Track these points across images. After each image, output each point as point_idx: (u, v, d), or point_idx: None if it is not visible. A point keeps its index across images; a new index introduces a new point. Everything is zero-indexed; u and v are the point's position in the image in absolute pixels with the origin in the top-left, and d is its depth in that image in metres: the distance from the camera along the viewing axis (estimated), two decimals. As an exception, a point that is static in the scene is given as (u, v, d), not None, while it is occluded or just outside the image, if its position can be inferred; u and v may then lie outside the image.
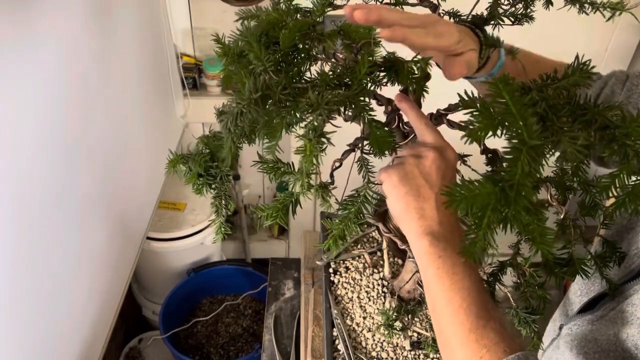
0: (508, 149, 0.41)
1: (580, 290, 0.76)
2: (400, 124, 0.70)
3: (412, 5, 0.73)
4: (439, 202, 0.59)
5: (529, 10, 0.74)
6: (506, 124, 0.42)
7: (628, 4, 0.65)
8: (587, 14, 0.68)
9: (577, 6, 0.68)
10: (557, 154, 0.50)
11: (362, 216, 0.58)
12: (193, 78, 1.81)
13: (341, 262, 1.07)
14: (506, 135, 0.42)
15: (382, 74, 0.57)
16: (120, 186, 1.24)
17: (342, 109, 0.51)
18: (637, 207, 0.49)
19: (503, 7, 0.74)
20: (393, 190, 0.60)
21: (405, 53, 0.67)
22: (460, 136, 0.50)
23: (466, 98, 0.47)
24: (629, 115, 0.49)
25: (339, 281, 1.04)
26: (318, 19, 0.63)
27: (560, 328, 0.77)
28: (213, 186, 0.70)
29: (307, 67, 0.58)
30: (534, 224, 0.40)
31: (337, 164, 0.62)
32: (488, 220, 0.38)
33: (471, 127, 0.42)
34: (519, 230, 0.40)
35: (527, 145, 0.40)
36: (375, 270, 1.05)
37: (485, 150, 0.64)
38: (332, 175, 0.62)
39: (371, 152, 0.58)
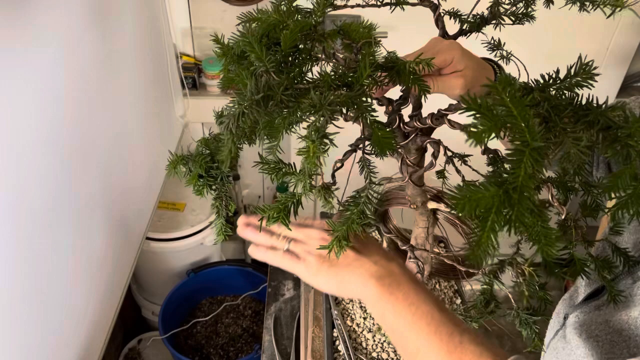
0: (511, 151, 0.41)
1: (585, 280, 0.76)
2: (401, 124, 0.70)
3: (412, 4, 0.73)
4: (357, 250, 0.62)
5: (529, 9, 0.74)
6: (508, 125, 0.42)
7: (628, 1, 0.65)
8: (588, 12, 0.68)
9: (578, 5, 0.67)
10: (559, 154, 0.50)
11: (364, 217, 0.58)
12: (192, 78, 1.80)
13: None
14: (509, 137, 0.42)
15: (383, 74, 0.56)
16: (119, 186, 1.23)
17: (344, 110, 0.51)
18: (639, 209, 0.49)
19: (504, 6, 0.74)
20: (318, 278, 0.63)
21: (405, 52, 0.67)
22: (461, 136, 0.49)
23: (467, 99, 0.46)
24: (631, 116, 0.48)
25: (339, 282, 1.03)
26: (319, 19, 0.62)
27: (565, 318, 0.77)
28: (214, 187, 0.70)
29: (309, 67, 0.58)
30: (538, 225, 0.40)
31: (339, 165, 0.62)
32: (492, 223, 0.37)
33: (473, 129, 0.41)
34: (522, 232, 0.40)
35: (530, 146, 0.40)
36: (376, 271, 1.05)
37: (486, 151, 0.63)
38: (333, 176, 0.62)
39: (373, 152, 0.57)
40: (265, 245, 0.68)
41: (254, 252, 0.68)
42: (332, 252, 0.59)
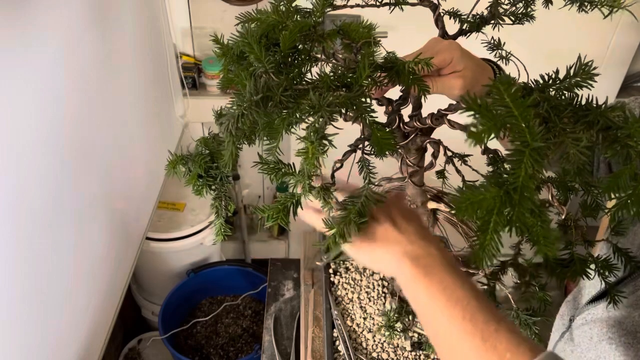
0: (511, 151, 0.41)
1: (590, 281, 0.76)
2: (401, 125, 0.70)
3: (412, 4, 0.73)
4: (398, 223, 0.59)
5: (529, 9, 0.74)
6: (508, 126, 0.42)
7: (626, 1, 0.65)
8: (586, 12, 0.68)
9: (577, 5, 0.67)
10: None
11: (363, 216, 0.58)
12: (192, 78, 1.80)
13: (341, 262, 1.07)
14: (509, 137, 0.42)
15: (383, 74, 0.56)
16: (119, 186, 1.23)
17: (343, 111, 0.51)
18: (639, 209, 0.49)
19: (503, 6, 0.74)
20: (356, 251, 0.60)
21: (405, 52, 0.67)
22: (461, 136, 0.49)
23: (467, 99, 0.46)
24: (631, 116, 0.48)
25: (339, 282, 1.03)
26: (318, 20, 0.62)
27: (571, 320, 0.77)
28: (213, 187, 0.70)
29: (308, 68, 0.58)
30: (538, 225, 0.39)
31: (338, 165, 0.62)
32: (494, 224, 0.37)
33: (473, 129, 0.41)
34: (523, 232, 0.40)
35: (530, 147, 0.40)
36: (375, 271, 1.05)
37: (486, 151, 0.63)
38: (333, 176, 0.61)
39: (372, 152, 0.57)
40: (313, 207, 0.64)
41: (303, 214, 0.64)
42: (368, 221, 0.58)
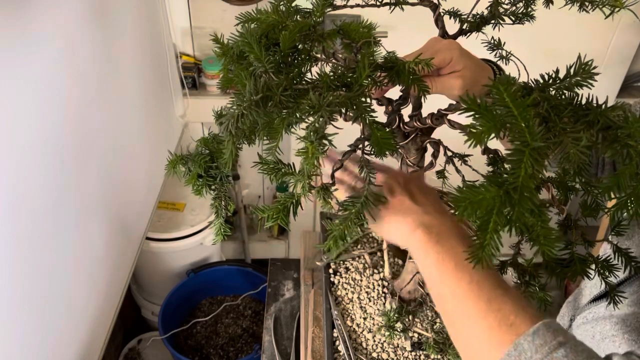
0: (511, 151, 0.41)
1: (590, 282, 0.76)
2: (401, 124, 0.70)
3: (412, 4, 0.73)
4: (415, 196, 0.60)
5: (529, 9, 0.74)
6: (508, 125, 0.42)
7: (627, 1, 0.65)
8: (587, 12, 0.68)
9: (578, 4, 0.67)
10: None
11: (362, 217, 0.58)
12: (192, 77, 1.80)
13: (341, 262, 1.06)
14: (508, 137, 0.42)
15: (383, 74, 0.56)
16: (119, 186, 1.23)
17: (343, 110, 0.51)
18: (639, 209, 0.49)
19: (504, 6, 0.74)
20: (375, 223, 0.61)
21: (405, 52, 0.66)
22: (461, 135, 0.49)
23: (467, 99, 0.46)
24: (631, 116, 0.48)
25: (339, 282, 1.03)
26: (318, 19, 0.62)
27: (571, 320, 0.77)
28: (213, 187, 0.70)
29: (308, 68, 0.58)
30: (538, 225, 0.39)
31: (338, 165, 0.62)
32: (494, 224, 0.37)
33: (473, 129, 0.41)
34: (523, 232, 0.40)
35: (530, 147, 0.40)
36: (376, 271, 1.04)
37: (486, 151, 0.63)
38: (333, 176, 0.61)
39: (372, 152, 0.57)
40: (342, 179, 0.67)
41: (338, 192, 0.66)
42: (387, 194, 0.60)
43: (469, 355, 0.52)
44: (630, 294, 0.67)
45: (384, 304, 0.98)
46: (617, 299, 0.64)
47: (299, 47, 0.58)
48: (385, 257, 1.05)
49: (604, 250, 0.75)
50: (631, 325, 0.63)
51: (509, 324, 0.48)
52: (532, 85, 0.53)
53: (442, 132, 0.70)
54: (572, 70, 0.53)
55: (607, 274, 0.66)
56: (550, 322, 0.48)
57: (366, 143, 0.63)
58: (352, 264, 1.06)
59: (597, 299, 0.73)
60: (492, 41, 0.77)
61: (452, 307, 0.54)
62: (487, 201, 0.38)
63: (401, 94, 0.71)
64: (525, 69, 0.68)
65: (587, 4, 0.67)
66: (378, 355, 0.92)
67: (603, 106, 0.50)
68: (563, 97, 0.52)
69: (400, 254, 1.05)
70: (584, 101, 0.51)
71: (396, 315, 0.92)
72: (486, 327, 0.49)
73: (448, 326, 0.56)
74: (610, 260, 0.66)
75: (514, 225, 0.38)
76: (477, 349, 0.50)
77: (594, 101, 0.51)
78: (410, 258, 0.85)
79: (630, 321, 0.63)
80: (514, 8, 0.74)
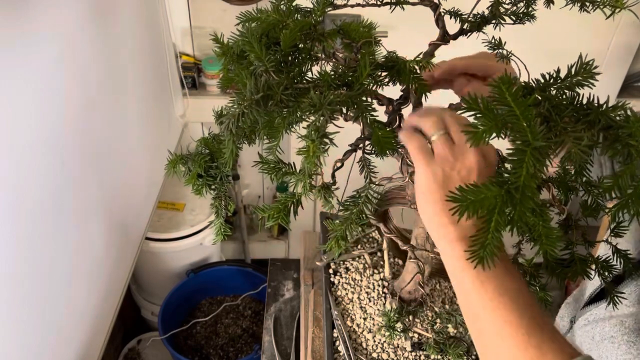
0: (512, 151, 0.41)
1: (591, 283, 0.76)
2: (402, 124, 0.70)
3: (413, 4, 0.73)
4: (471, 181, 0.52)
5: (530, 9, 0.74)
6: (510, 125, 0.42)
7: (628, 2, 0.65)
8: (588, 12, 0.68)
9: (578, 5, 0.67)
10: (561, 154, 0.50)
11: (364, 217, 0.57)
12: (192, 77, 1.80)
13: (341, 262, 1.06)
14: (510, 137, 0.42)
15: (383, 73, 0.56)
16: (118, 186, 1.23)
17: (344, 109, 0.51)
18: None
19: (504, 6, 0.74)
20: (427, 193, 0.54)
21: (405, 52, 0.66)
22: (462, 137, 0.49)
23: (468, 99, 0.46)
24: (632, 115, 0.48)
25: (339, 282, 1.03)
26: (318, 19, 0.62)
27: (572, 322, 0.77)
28: (213, 187, 0.70)
29: (309, 67, 0.58)
30: (539, 225, 0.39)
31: (339, 164, 0.62)
32: (495, 223, 0.37)
33: (474, 129, 0.41)
34: (525, 231, 0.40)
35: (531, 146, 0.39)
36: (376, 271, 1.04)
37: (487, 151, 0.63)
38: (333, 176, 0.61)
39: (373, 152, 0.57)
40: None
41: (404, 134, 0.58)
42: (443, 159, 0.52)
43: None
44: (628, 294, 0.67)
45: (384, 304, 0.98)
46: (616, 299, 0.64)
47: (300, 46, 0.58)
48: (386, 257, 1.05)
49: (602, 251, 0.75)
50: (629, 326, 0.63)
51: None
52: (533, 85, 0.53)
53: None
54: (573, 70, 0.53)
55: (606, 274, 0.66)
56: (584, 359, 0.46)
57: (367, 142, 0.63)
58: (352, 264, 1.06)
59: (597, 300, 0.73)
60: (493, 41, 0.77)
61: (487, 328, 0.51)
62: (489, 200, 0.37)
63: (402, 93, 0.71)
64: (526, 68, 0.68)
65: (587, 4, 0.66)
66: (378, 356, 0.92)
67: (604, 106, 0.50)
68: (564, 96, 0.52)
69: (400, 254, 1.05)
70: (584, 101, 0.51)
71: (396, 315, 0.92)
72: None
73: (479, 348, 0.53)
74: (610, 261, 0.66)
75: (516, 225, 0.38)
76: None
77: (595, 101, 0.51)
78: (410, 258, 0.85)
79: (628, 322, 0.63)
80: (514, 8, 0.74)
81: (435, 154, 0.54)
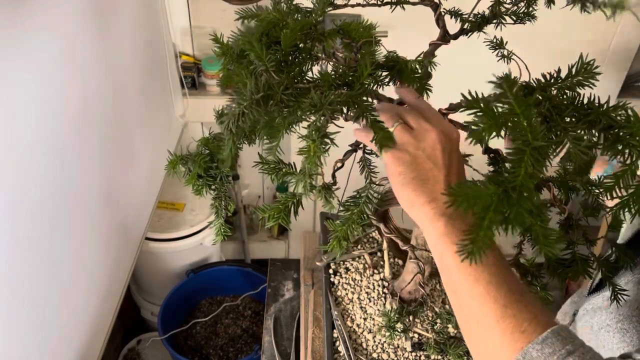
0: (511, 150, 0.41)
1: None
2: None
3: (413, 4, 0.73)
4: (449, 183, 0.55)
5: (530, 9, 0.74)
6: (510, 124, 0.42)
7: (629, 3, 0.65)
8: (589, 12, 0.67)
9: (579, 5, 0.67)
10: (561, 154, 0.50)
11: (364, 217, 0.57)
12: (192, 77, 1.80)
13: (341, 262, 1.06)
14: (510, 136, 0.42)
15: (384, 73, 0.56)
16: (118, 186, 1.23)
17: (344, 109, 0.51)
18: (640, 209, 0.49)
19: (505, 5, 0.73)
20: (398, 177, 0.56)
21: (405, 52, 0.66)
22: (462, 135, 0.49)
23: (469, 98, 0.46)
24: (633, 115, 0.48)
25: (339, 282, 1.03)
26: (319, 18, 0.62)
27: (574, 315, 0.77)
28: (213, 187, 0.70)
29: (309, 66, 0.57)
30: (537, 225, 0.39)
31: (339, 165, 0.62)
32: (489, 221, 0.37)
33: (474, 128, 0.41)
34: (521, 231, 0.40)
35: (531, 146, 0.39)
36: (376, 271, 1.04)
37: (487, 151, 0.63)
38: (334, 176, 0.61)
39: (373, 152, 0.57)
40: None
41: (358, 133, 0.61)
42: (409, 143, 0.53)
43: (480, 356, 0.52)
44: (624, 283, 0.68)
45: (384, 304, 0.98)
46: (619, 297, 0.65)
47: (300, 45, 0.58)
48: (386, 258, 1.05)
49: (604, 249, 0.75)
50: (623, 313, 0.63)
51: (521, 330, 0.48)
52: (534, 84, 0.53)
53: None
54: (573, 70, 0.53)
55: (608, 271, 0.66)
56: (559, 329, 0.47)
57: (367, 142, 0.62)
58: (352, 264, 1.06)
59: (595, 290, 0.74)
60: (494, 41, 0.77)
61: (467, 306, 0.53)
62: (485, 198, 0.37)
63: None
64: (527, 68, 0.68)
65: (588, 4, 0.66)
66: (378, 356, 0.92)
67: (605, 106, 0.50)
68: (564, 96, 0.52)
69: (400, 254, 1.05)
70: (585, 101, 0.51)
71: (396, 315, 0.92)
72: (500, 332, 0.49)
73: (461, 323, 0.55)
74: (610, 258, 0.66)
75: (511, 225, 0.38)
76: (489, 353, 0.50)
77: (596, 101, 0.51)
78: (410, 258, 0.85)
79: (622, 310, 0.64)
80: (515, 8, 0.74)
81: (397, 142, 0.56)
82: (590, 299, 0.73)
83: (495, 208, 0.39)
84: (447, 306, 0.99)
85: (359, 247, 1.10)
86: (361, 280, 1.03)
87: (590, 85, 0.53)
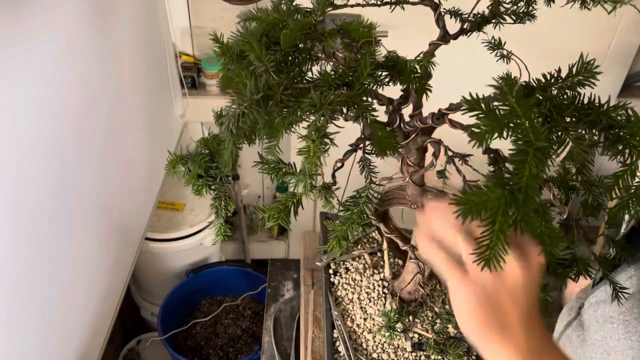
0: (514, 151, 0.41)
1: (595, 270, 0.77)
2: (402, 124, 0.70)
3: (413, 4, 0.73)
4: (524, 316, 0.48)
5: (530, 8, 0.74)
6: (511, 125, 0.42)
7: None
8: (588, 9, 0.67)
9: (579, 2, 0.67)
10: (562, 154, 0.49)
11: (364, 217, 0.57)
12: (192, 77, 1.80)
13: (341, 263, 1.06)
14: (511, 137, 0.42)
15: (384, 73, 0.56)
16: (118, 186, 1.23)
17: (344, 109, 0.51)
18: (640, 209, 0.49)
19: (505, 5, 0.73)
20: (469, 314, 0.49)
21: (405, 52, 0.66)
22: (462, 135, 0.49)
23: (470, 99, 0.46)
24: (634, 115, 0.48)
25: (339, 282, 1.03)
26: (319, 18, 0.62)
27: (580, 308, 0.78)
28: (213, 187, 0.70)
29: (309, 67, 0.57)
30: (542, 225, 0.39)
31: (339, 165, 0.62)
32: (499, 224, 0.37)
33: (476, 129, 0.41)
34: (528, 232, 0.40)
35: (533, 146, 0.39)
36: (376, 271, 1.04)
37: (487, 151, 0.63)
38: (334, 176, 0.61)
39: (373, 152, 0.57)
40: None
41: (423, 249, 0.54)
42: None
43: None
44: (626, 279, 0.68)
45: (384, 304, 0.98)
46: (620, 294, 0.65)
47: (300, 46, 0.58)
48: (386, 258, 1.05)
49: (603, 248, 0.76)
50: (624, 304, 0.63)
51: None
52: (534, 84, 0.53)
53: (442, 132, 0.70)
54: (574, 70, 0.53)
55: (608, 269, 0.66)
56: None
57: (367, 142, 0.62)
58: (352, 264, 1.06)
59: (599, 282, 0.75)
60: (493, 41, 0.77)
61: None
62: (492, 202, 0.37)
63: (402, 93, 0.71)
64: (527, 68, 0.68)
65: (588, 1, 0.66)
66: (378, 356, 0.92)
67: (605, 106, 0.50)
68: (565, 96, 0.52)
69: (400, 254, 1.05)
70: (585, 101, 0.51)
71: (396, 315, 0.92)
72: None
73: None
74: (610, 256, 0.66)
75: (520, 226, 0.38)
76: None
77: (596, 101, 0.51)
78: (410, 258, 0.85)
79: (623, 301, 0.64)
80: (515, 7, 0.74)
81: (469, 270, 0.49)
82: (594, 291, 0.74)
83: (503, 211, 0.38)
84: (447, 306, 0.99)
85: (359, 247, 1.10)
86: (361, 281, 1.03)
87: (591, 85, 0.53)
